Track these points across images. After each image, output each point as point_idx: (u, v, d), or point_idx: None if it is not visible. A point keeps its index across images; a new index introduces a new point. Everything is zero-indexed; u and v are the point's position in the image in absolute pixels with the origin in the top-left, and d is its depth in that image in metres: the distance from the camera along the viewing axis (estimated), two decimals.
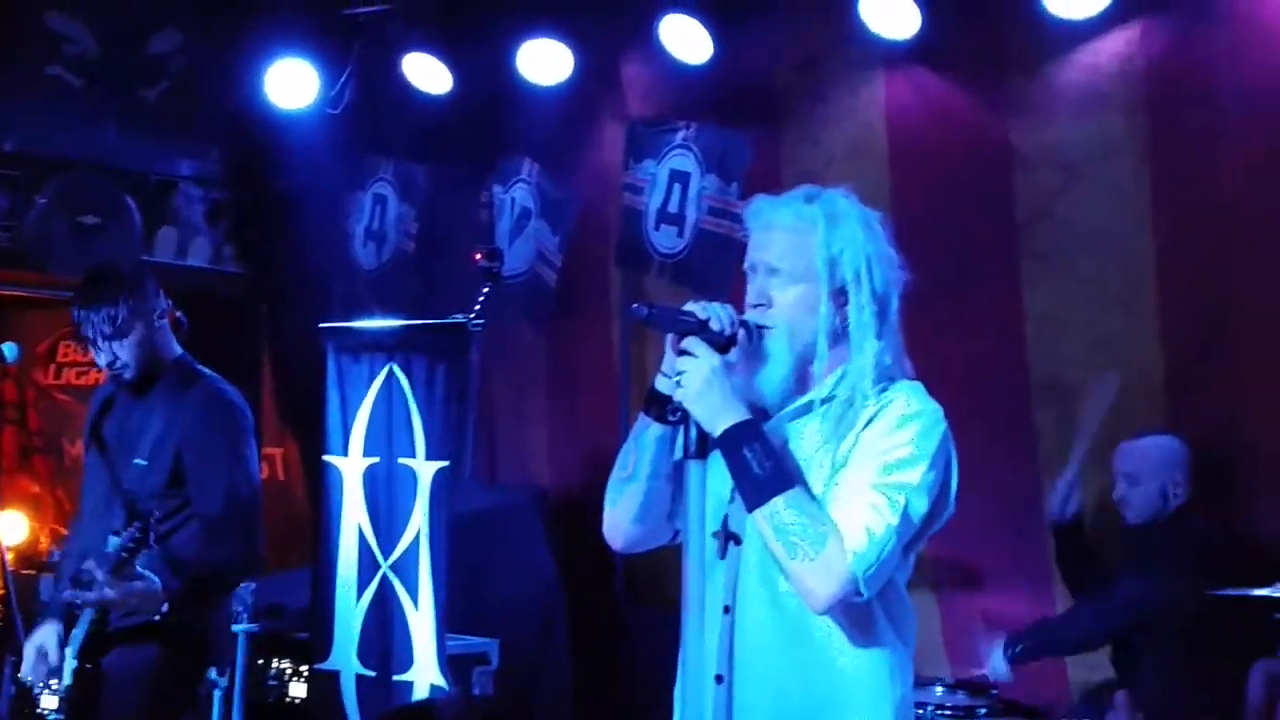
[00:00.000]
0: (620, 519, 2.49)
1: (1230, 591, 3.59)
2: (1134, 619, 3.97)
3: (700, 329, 2.32)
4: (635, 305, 2.33)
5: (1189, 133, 4.33)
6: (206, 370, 3.83)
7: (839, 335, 2.37)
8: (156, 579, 3.42)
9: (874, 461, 2.28)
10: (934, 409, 2.33)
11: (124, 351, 3.64)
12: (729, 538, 2.37)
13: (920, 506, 2.28)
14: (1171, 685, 3.87)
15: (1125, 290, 4.46)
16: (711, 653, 2.36)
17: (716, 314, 2.33)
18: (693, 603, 2.28)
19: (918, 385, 2.37)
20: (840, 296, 2.36)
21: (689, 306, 2.35)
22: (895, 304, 2.39)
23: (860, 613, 2.32)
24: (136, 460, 3.62)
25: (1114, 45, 4.41)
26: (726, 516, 2.38)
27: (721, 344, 2.32)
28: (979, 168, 4.71)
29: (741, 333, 2.35)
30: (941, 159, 4.78)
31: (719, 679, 2.37)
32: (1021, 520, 4.55)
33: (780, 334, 2.37)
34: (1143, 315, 4.43)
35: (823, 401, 2.37)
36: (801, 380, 2.39)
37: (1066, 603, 4.49)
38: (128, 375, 3.67)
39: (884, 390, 2.34)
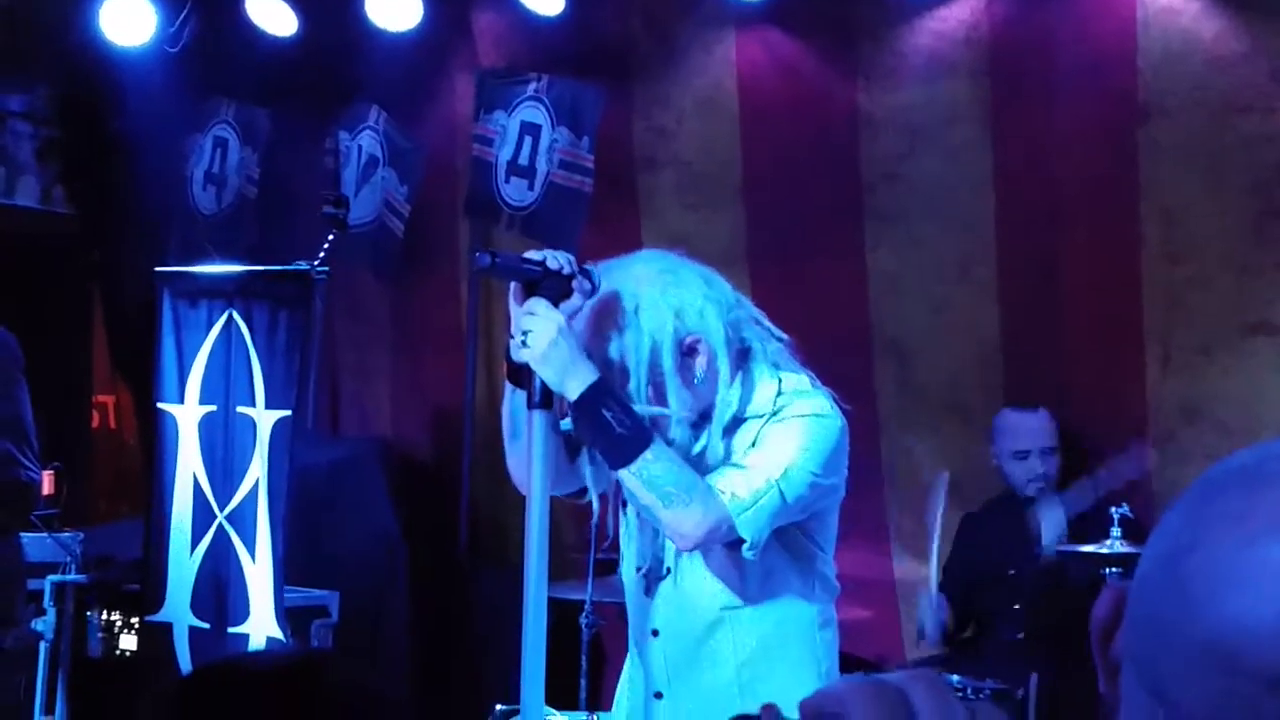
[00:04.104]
0: (516, 471, 2.50)
1: (1059, 548, 3.71)
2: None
3: (545, 276, 2.30)
4: (478, 254, 2.32)
5: (1029, 100, 4.43)
6: None
7: (714, 384, 2.39)
8: None
9: (762, 446, 2.36)
10: (825, 406, 2.39)
11: None
12: (660, 576, 2.47)
13: (807, 474, 2.34)
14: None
15: (965, 254, 4.57)
16: (647, 672, 2.49)
17: (554, 256, 2.33)
18: (535, 557, 2.29)
19: (803, 379, 2.41)
20: (689, 354, 2.36)
21: (529, 254, 2.34)
22: (741, 319, 2.42)
23: (792, 607, 2.45)
24: None
25: (960, 12, 4.49)
26: (660, 559, 2.47)
27: (563, 290, 2.31)
28: (827, 129, 4.76)
29: (581, 279, 2.34)
30: (790, 119, 4.82)
31: (658, 695, 2.48)
32: (859, 478, 4.63)
33: (674, 419, 2.37)
34: (981, 279, 4.54)
35: (720, 428, 2.40)
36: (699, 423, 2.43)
37: (903, 561, 4.60)
38: None
39: (776, 394, 2.38)
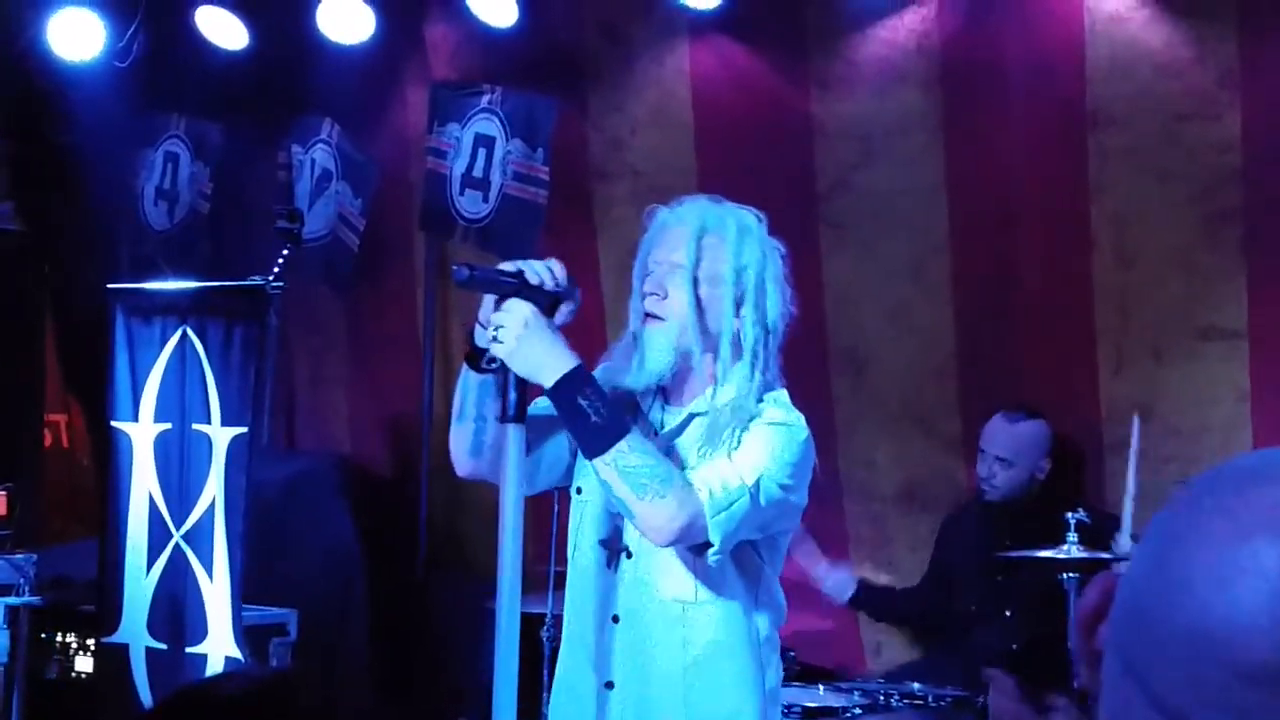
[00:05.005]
0: (457, 452, 2.50)
1: (1016, 554, 3.73)
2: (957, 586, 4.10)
3: (522, 289, 2.29)
4: (456, 267, 2.30)
5: (980, 108, 4.47)
6: None
7: (731, 343, 2.40)
8: None
9: (739, 451, 2.35)
10: (798, 419, 2.41)
11: None
12: (620, 551, 2.41)
13: (776, 486, 2.35)
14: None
15: (919, 260, 4.59)
16: (601, 660, 2.44)
17: (535, 270, 2.31)
18: (508, 571, 2.27)
19: (784, 393, 2.44)
20: (738, 306, 2.40)
21: (506, 266, 2.33)
22: (781, 331, 2.46)
23: (739, 618, 2.41)
24: None
25: (911, 21, 4.52)
26: (619, 529, 2.42)
27: (548, 304, 2.31)
28: (781, 138, 4.78)
29: (577, 295, 2.34)
30: (744, 128, 4.84)
31: (609, 685, 2.43)
32: (818, 487, 4.65)
33: (669, 328, 2.38)
34: (935, 284, 4.57)
35: (703, 414, 2.41)
36: (680, 378, 2.41)
37: (863, 570, 4.61)
38: None
39: (758, 400, 2.40)
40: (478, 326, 2.35)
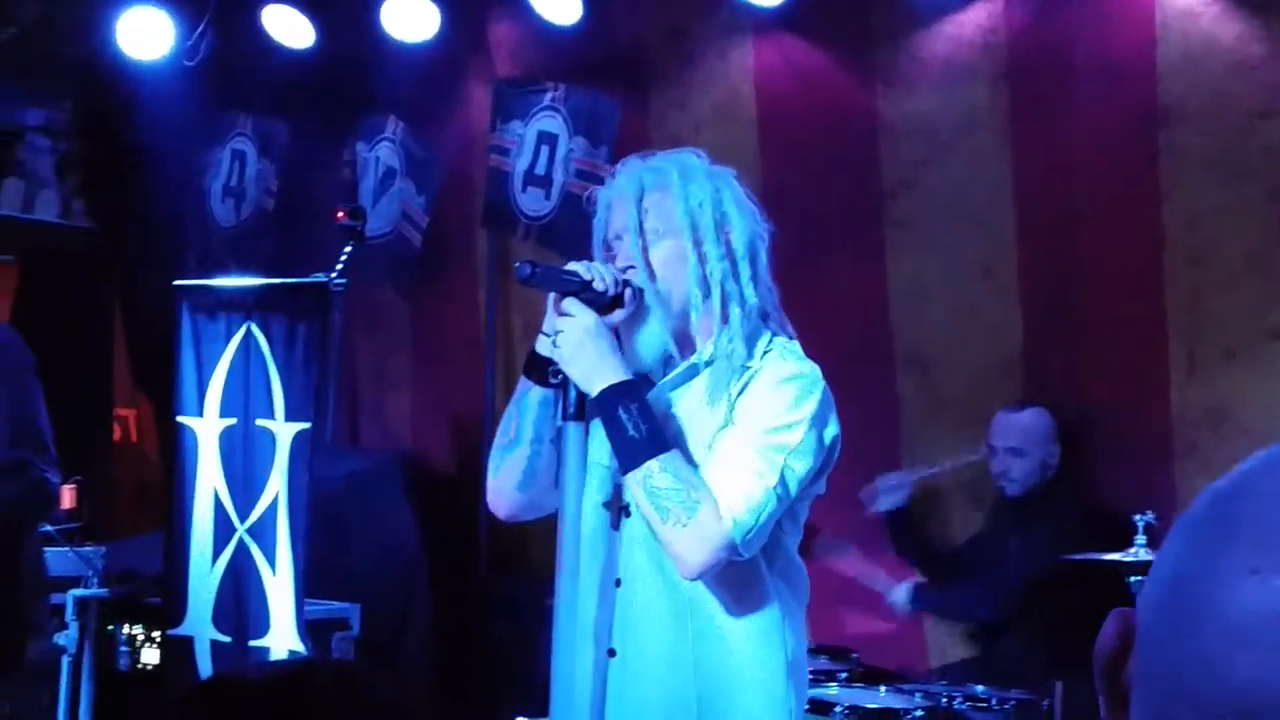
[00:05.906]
0: (503, 486, 2.43)
1: (1083, 556, 3.68)
2: (1024, 591, 4.07)
3: (583, 289, 2.28)
4: (519, 264, 2.29)
5: (1048, 104, 4.41)
6: None
7: (711, 288, 2.32)
8: None
9: (753, 424, 2.27)
10: (811, 368, 2.32)
11: None
12: (621, 509, 2.34)
13: (801, 468, 2.26)
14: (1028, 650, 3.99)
15: (985, 259, 4.54)
16: (602, 626, 2.34)
17: (600, 274, 2.29)
18: (567, 570, 2.25)
19: (795, 344, 2.36)
20: (699, 247, 2.33)
21: (572, 266, 2.31)
22: (763, 256, 2.38)
23: (748, 582, 2.31)
24: None
25: (977, 17, 4.47)
26: (619, 487, 2.34)
27: (605, 305, 2.29)
28: (846, 135, 4.74)
29: (628, 293, 2.32)
30: (809, 126, 4.81)
31: (611, 653, 2.35)
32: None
33: (653, 294, 2.34)
34: (1002, 284, 4.52)
35: (705, 364, 2.34)
36: (683, 340, 2.35)
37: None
38: None
39: (763, 351, 2.32)
40: (541, 336, 2.33)
